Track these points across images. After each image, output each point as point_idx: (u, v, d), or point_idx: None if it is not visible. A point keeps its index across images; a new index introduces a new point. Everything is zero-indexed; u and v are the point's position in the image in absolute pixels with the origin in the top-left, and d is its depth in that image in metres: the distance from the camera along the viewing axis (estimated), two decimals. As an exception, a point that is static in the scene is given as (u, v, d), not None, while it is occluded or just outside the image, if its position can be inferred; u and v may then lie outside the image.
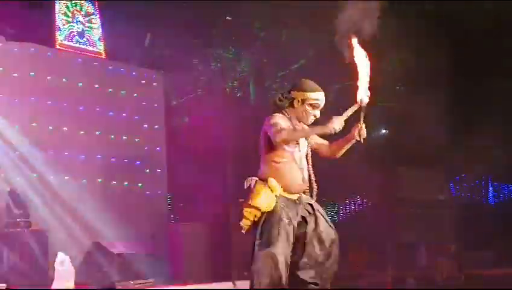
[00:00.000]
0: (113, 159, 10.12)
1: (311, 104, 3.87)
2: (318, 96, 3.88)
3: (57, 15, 9.61)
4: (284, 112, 3.88)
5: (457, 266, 10.30)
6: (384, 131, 12.85)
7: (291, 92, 3.93)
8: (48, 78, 9.34)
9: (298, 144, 3.84)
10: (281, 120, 3.78)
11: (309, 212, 3.88)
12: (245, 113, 10.83)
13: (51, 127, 9.35)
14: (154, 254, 9.10)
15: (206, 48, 11.20)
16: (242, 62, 11.58)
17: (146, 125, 10.63)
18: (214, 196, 10.34)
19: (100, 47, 10.28)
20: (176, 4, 10.22)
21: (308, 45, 10.85)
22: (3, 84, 8.81)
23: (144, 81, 10.83)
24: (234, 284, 8.30)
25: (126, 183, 10.19)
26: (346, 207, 13.23)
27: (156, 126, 10.80)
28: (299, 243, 3.84)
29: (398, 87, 11.74)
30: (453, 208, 12.23)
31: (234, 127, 10.76)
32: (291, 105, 3.90)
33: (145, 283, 8.28)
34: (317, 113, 3.91)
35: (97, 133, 9.87)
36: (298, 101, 3.88)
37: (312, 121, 3.93)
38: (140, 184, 10.40)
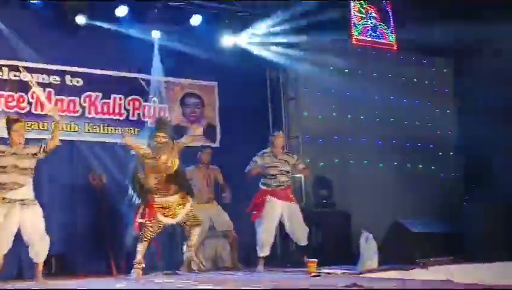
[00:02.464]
0: (407, 144, 13.28)
1: None
2: None
3: (353, 13, 12.69)
4: None
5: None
6: None
7: None
8: (345, 70, 12.58)
9: None
10: None
11: None
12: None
13: (349, 116, 12.69)
14: (451, 233, 10.90)
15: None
16: None
17: (438, 110, 13.68)
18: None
19: (392, 39, 13.18)
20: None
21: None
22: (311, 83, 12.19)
23: (434, 69, 13.90)
24: None
25: (420, 165, 13.25)
26: None
27: (448, 111, 13.83)
28: None
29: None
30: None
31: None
32: None
33: (443, 260, 9.74)
34: None
35: (391, 120, 13.05)
36: None
37: None
38: (433, 167, 13.43)
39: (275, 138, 9.56)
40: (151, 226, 8.17)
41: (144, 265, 8.30)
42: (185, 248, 8.76)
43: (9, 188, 7.45)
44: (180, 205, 8.35)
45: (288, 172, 9.52)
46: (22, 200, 7.52)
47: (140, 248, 8.18)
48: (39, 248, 7.62)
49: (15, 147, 7.58)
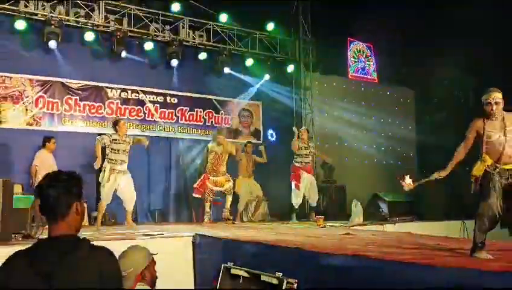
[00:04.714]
0: (383, 147, 13.15)
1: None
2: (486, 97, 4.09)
3: (349, 58, 12.77)
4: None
5: None
6: None
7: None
8: (345, 99, 12.58)
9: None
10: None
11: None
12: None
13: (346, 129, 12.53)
14: (410, 202, 10.52)
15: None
16: None
17: (402, 126, 13.59)
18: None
19: (374, 75, 13.20)
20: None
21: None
22: (321, 104, 12.18)
23: (401, 95, 13.73)
24: None
25: (392, 160, 13.09)
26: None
27: (409, 127, 13.66)
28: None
29: None
30: None
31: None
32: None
33: (406, 219, 9.57)
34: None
35: (373, 131, 12.95)
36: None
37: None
38: (399, 162, 13.26)
39: (301, 132, 9.50)
40: (207, 193, 8.58)
41: (211, 216, 8.77)
42: (224, 210, 8.98)
43: (119, 163, 7.37)
44: (226, 180, 8.72)
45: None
46: (124, 171, 7.42)
47: (206, 206, 8.66)
48: (130, 202, 7.58)
49: (123, 137, 7.47)
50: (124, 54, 9.63)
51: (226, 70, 10.80)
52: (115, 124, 7.54)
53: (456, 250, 4.57)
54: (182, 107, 10.52)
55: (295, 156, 9.32)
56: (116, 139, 7.39)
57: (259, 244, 5.27)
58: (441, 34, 11.08)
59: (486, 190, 4.01)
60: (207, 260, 5.88)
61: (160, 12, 10.10)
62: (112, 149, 7.34)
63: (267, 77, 11.34)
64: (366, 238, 5.98)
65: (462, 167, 9.80)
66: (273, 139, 11.53)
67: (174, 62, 10.17)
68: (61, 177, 2.21)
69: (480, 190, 4.08)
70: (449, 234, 7.62)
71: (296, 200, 9.31)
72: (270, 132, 11.56)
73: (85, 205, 7.98)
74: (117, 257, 2.39)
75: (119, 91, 9.89)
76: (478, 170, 4.10)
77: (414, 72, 12.74)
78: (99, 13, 9.55)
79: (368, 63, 13.14)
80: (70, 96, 9.40)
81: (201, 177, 8.71)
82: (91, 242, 2.17)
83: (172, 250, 5.98)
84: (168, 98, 10.39)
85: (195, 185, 8.76)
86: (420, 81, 12.73)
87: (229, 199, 8.82)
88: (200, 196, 8.71)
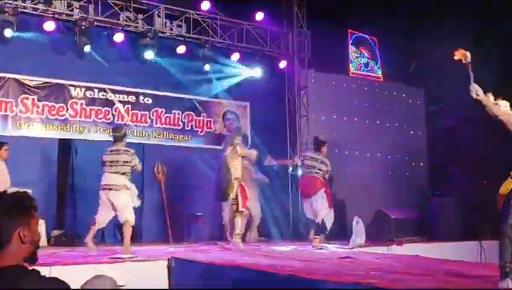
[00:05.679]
0: (389, 156, 13.07)
1: None
2: None
3: (350, 53, 12.75)
4: None
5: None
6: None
7: None
8: (345, 100, 12.51)
9: None
10: None
11: None
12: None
13: (346, 134, 12.49)
14: (420, 219, 10.46)
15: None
16: None
17: (412, 131, 13.49)
18: (462, 178, 11.41)
19: (379, 73, 13.23)
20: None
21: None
22: (319, 105, 12.15)
23: (411, 96, 13.67)
24: None
25: (399, 171, 12.98)
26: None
27: (419, 132, 13.57)
28: None
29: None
30: None
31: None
32: None
33: (414, 239, 9.57)
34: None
35: (378, 137, 12.83)
36: None
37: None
38: (407, 173, 13.13)
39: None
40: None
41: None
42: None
43: None
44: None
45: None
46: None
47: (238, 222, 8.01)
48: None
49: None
50: (89, 47, 9.58)
51: (208, 66, 10.78)
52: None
53: (473, 276, 4.59)
54: (157, 109, 10.48)
55: (318, 170, 8.98)
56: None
57: (245, 270, 5.24)
58: (455, 25, 11.04)
59: (509, 209, 4.17)
60: (184, 287, 5.84)
61: (132, -2, 10.07)
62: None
63: (256, 73, 11.32)
64: (368, 263, 5.99)
65: (478, 180, 9.80)
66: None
67: (149, 56, 10.14)
68: (1, 198, 2.17)
69: (503, 208, 4.24)
70: (464, 257, 7.71)
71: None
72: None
73: (42, 223, 8.09)
74: (77, 287, 2.34)
75: (83, 90, 9.84)
76: (505, 188, 4.42)
77: (424, 70, 12.71)
78: (61, -1, 9.50)
79: (372, 58, 13.17)
80: (26, 95, 9.34)
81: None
82: (41, 273, 2.13)
83: (144, 276, 5.94)
84: (140, 98, 10.35)
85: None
86: (431, 79, 12.62)
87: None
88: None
